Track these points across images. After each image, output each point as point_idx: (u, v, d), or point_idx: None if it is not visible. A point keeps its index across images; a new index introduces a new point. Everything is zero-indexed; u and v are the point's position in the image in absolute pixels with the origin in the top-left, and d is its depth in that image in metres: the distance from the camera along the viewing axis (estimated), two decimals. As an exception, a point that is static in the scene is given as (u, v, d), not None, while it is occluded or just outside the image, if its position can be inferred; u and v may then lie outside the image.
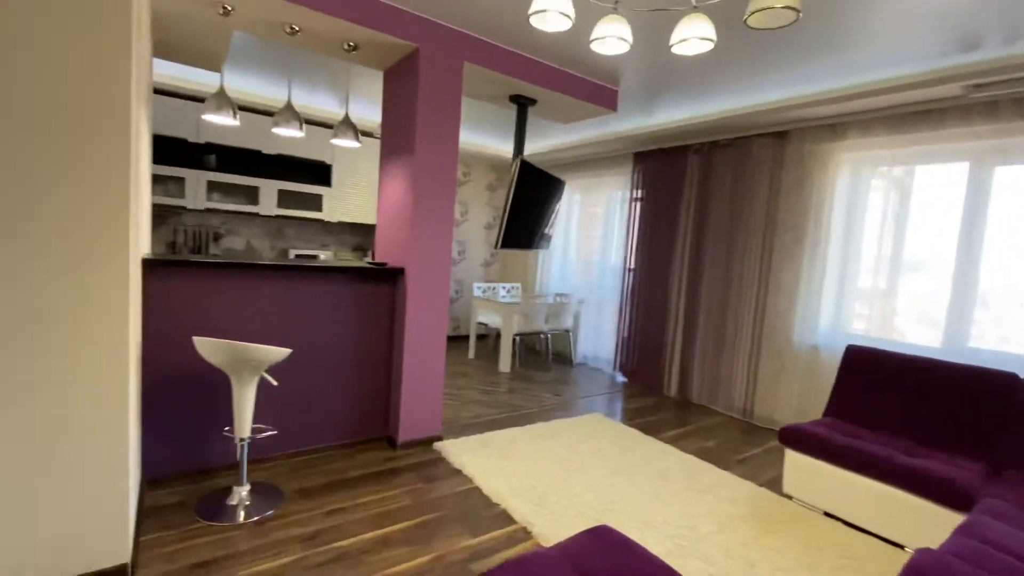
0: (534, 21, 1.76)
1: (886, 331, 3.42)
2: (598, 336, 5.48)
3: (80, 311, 1.56)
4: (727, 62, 2.97)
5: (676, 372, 4.54)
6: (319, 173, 5.01)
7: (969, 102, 2.91)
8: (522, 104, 3.49)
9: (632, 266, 5.00)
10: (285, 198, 4.69)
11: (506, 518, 2.30)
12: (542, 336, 5.57)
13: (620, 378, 5.10)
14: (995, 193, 2.99)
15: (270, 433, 2.65)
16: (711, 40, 1.78)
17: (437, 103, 2.85)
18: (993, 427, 2.48)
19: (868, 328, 3.49)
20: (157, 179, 4.12)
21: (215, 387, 2.48)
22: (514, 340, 4.97)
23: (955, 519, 2.14)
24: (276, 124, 2.77)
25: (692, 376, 4.42)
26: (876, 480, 2.38)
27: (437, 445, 3.01)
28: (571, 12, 1.70)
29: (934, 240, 3.22)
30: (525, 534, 2.18)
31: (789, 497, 2.71)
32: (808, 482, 2.63)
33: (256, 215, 4.75)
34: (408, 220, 2.87)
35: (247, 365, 2.12)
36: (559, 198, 4.16)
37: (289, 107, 2.80)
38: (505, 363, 4.93)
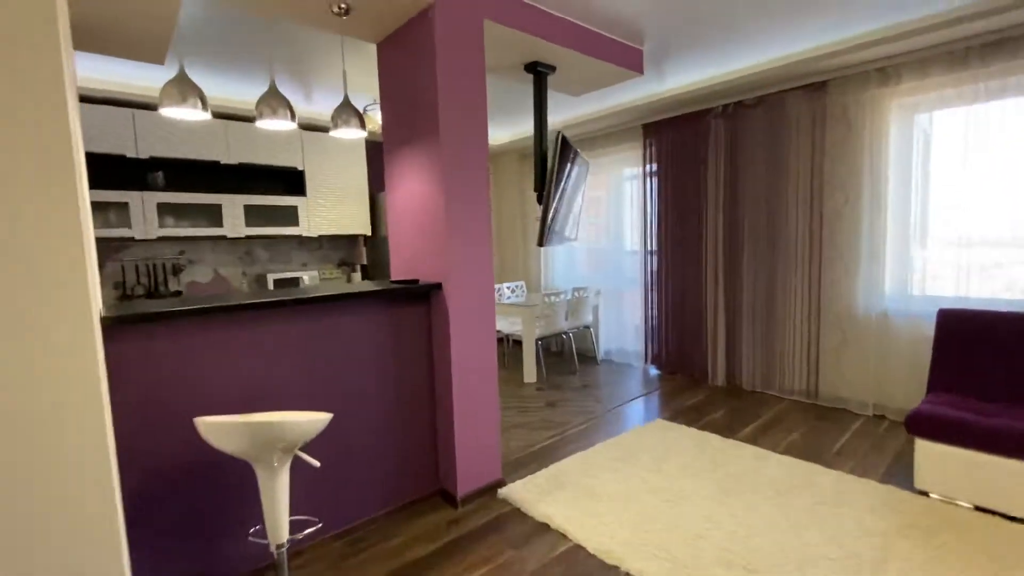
0: None
1: (963, 288, 3.12)
2: (621, 328, 5.05)
3: (37, 404, 0.95)
4: (762, 6, 2.54)
5: (722, 358, 4.16)
6: (290, 181, 4.31)
7: (1053, 23, 2.60)
8: (540, 73, 2.96)
9: (654, 248, 4.57)
10: (254, 214, 3.97)
11: (637, 586, 1.80)
12: (564, 336, 5.08)
13: (653, 371, 4.68)
14: (1073, 124, 2.71)
15: (314, 528, 2.04)
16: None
17: (460, 73, 2.28)
18: None
19: (944, 287, 3.18)
20: (95, 207, 3.33)
21: (222, 476, 1.85)
22: (537, 345, 4.46)
23: None
24: (261, 115, 2.12)
25: (741, 361, 4.05)
26: (1042, 464, 2.03)
27: (503, 492, 2.47)
28: None
29: (1007, 185, 2.93)
30: (672, 607, 1.70)
31: (925, 494, 2.35)
32: (947, 474, 2.27)
33: (221, 238, 4.02)
34: (440, 224, 2.29)
35: (276, 448, 1.52)
36: (585, 182, 3.66)
37: (274, 91, 2.15)
38: (530, 372, 4.42)
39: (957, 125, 3.06)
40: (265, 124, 2.17)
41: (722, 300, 4.12)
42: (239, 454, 1.51)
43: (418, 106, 2.34)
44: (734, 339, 4.09)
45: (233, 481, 1.86)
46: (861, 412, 3.43)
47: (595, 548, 2.01)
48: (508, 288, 5.44)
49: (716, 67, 3.51)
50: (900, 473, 2.58)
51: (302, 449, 1.94)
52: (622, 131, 4.76)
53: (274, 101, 2.12)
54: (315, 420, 1.55)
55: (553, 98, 4.09)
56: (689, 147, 4.21)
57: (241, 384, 1.86)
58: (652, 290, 4.63)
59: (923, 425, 2.31)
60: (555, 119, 4.79)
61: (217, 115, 3.81)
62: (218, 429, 1.45)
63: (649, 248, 4.60)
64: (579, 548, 2.03)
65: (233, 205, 3.84)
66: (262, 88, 3.58)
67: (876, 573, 1.81)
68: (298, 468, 2.03)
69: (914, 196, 3.21)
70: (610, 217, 5.04)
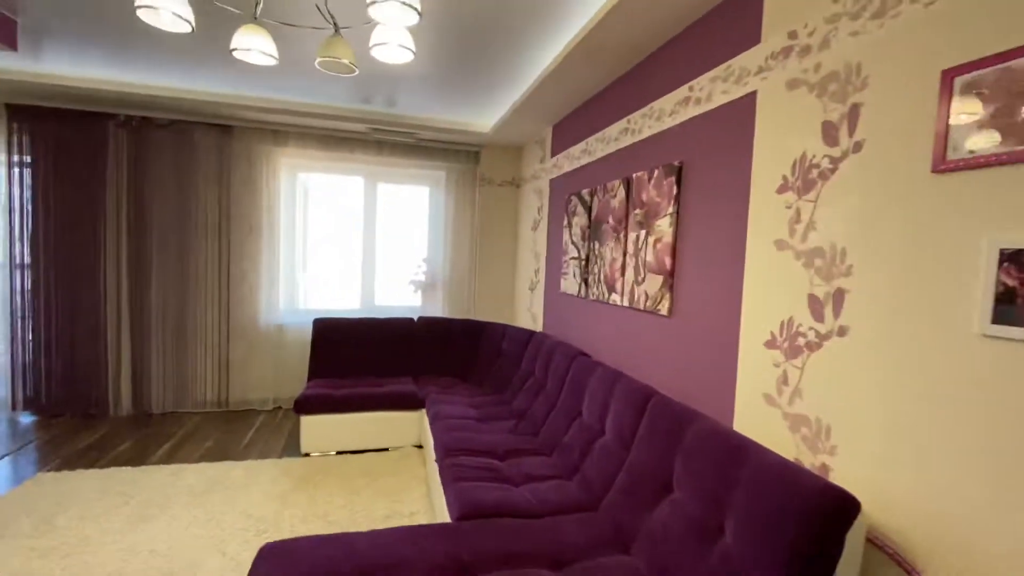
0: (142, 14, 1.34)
1: (326, 303, 4.40)
2: (-39, 370, 3.62)
3: None
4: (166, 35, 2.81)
5: (127, 385, 3.83)
6: None
7: (368, 138, 4.17)
8: None
9: (26, 260, 3.61)
10: None
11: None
12: None
13: (27, 418, 3.68)
14: (380, 199, 4.47)
15: None
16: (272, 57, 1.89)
17: None
18: (405, 353, 3.93)
19: (316, 302, 4.36)
20: None
21: None
22: None
23: (413, 416, 3.37)
24: None
25: (151, 384, 3.88)
26: (366, 412, 3.29)
27: None
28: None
29: (351, 232, 4.42)
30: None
31: (308, 455, 3.21)
32: (321, 435, 3.23)
33: None
34: None
35: None
36: None
37: None
38: None
39: (323, 185, 4.31)
40: None
41: (127, 323, 3.82)
42: None
43: None
44: (141, 363, 3.88)
45: None
46: (264, 408, 4.13)
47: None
48: None
49: (115, 70, 3.28)
50: (292, 446, 3.37)
51: None
52: (-36, 100, 3.49)
53: None
54: None
55: None
56: (83, 149, 3.65)
57: None
58: (25, 314, 3.64)
59: (304, 405, 3.17)
60: None
61: None
62: None
63: (19, 261, 3.60)
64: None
65: None
66: None
67: (278, 524, 2.38)
68: None
69: (299, 233, 4.22)
70: (-63, 214, 3.54)
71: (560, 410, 2.58)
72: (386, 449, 3.35)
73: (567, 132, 3.39)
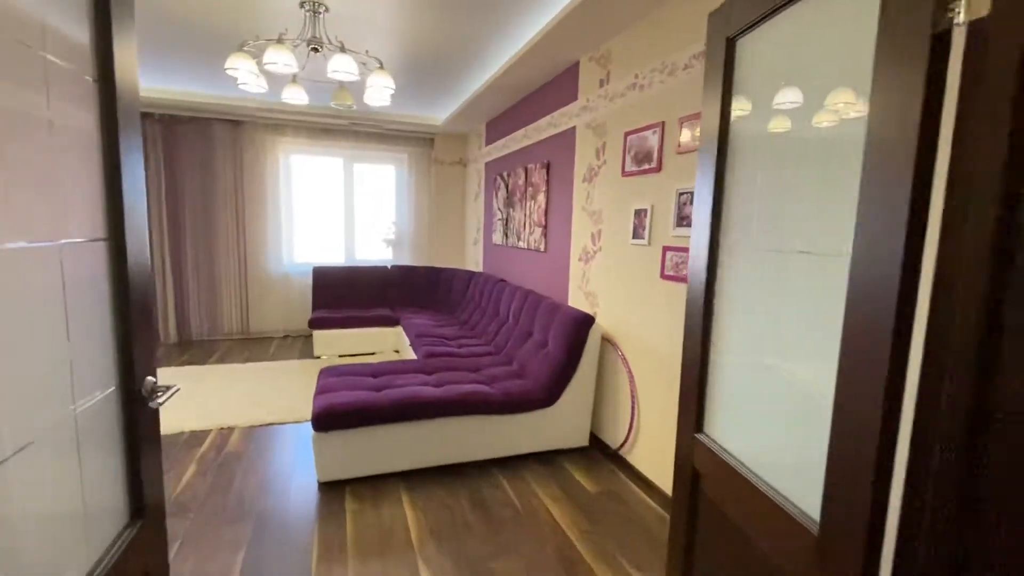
0: (230, 72, 2.62)
1: (318, 257, 5.74)
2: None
3: None
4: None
5: (172, 319, 5.13)
6: None
7: (347, 129, 5.44)
8: None
9: (89, 228, 4.79)
10: None
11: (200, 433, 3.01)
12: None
13: (97, 345, 4.93)
14: (356, 176, 5.77)
15: None
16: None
17: None
18: (382, 291, 5.37)
19: (309, 256, 5.69)
20: None
21: None
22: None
23: (391, 331, 4.85)
24: None
25: (189, 319, 5.19)
26: (358, 328, 4.75)
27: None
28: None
29: (333, 201, 5.72)
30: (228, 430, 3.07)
31: (319, 357, 4.66)
32: (326, 344, 4.67)
33: None
34: None
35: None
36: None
37: None
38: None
39: (306, 165, 5.58)
40: None
41: (170, 274, 5.08)
42: None
43: None
44: (182, 303, 5.17)
45: None
46: (277, 336, 5.50)
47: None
48: None
49: (153, 82, 4.43)
50: (308, 352, 4.80)
51: None
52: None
53: None
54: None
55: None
56: (126, 140, 4.79)
57: None
58: (90, 267, 4.83)
59: (315, 322, 4.60)
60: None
61: None
62: None
63: (83, 227, 4.77)
64: (147, 434, 2.93)
65: None
66: None
67: (309, 403, 3.84)
68: None
69: (293, 203, 5.51)
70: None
71: (488, 315, 4.11)
72: (373, 353, 4.83)
73: (495, 129, 4.80)
